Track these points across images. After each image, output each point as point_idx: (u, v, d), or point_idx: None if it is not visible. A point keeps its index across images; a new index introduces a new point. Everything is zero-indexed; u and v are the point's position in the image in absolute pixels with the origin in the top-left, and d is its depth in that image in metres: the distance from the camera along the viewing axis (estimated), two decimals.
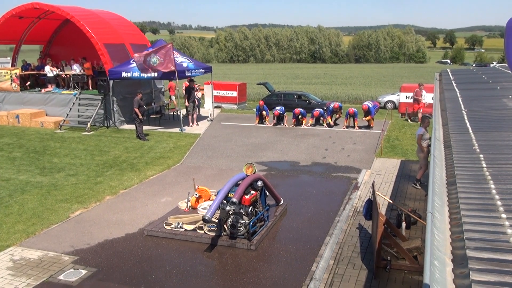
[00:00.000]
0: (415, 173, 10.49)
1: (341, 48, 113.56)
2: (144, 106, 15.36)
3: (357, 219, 8.19)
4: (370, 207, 7.16)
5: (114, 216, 8.55)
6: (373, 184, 7.27)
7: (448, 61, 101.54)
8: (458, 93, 7.88)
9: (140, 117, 15.06)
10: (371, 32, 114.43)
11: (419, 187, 9.89)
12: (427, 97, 18.06)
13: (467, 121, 5.69)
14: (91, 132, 16.48)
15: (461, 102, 6.97)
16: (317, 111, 17.72)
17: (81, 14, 18.21)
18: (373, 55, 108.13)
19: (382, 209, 8.44)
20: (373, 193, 6.88)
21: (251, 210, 7.31)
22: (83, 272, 6.40)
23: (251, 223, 7.18)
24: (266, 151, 13.68)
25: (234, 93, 24.50)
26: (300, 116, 17.52)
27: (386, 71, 66.68)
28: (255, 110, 18.79)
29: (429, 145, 9.54)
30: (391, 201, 8.12)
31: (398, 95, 23.55)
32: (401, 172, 11.26)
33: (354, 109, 17.07)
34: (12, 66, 20.93)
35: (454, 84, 8.98)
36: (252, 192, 7.51)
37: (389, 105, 25.79)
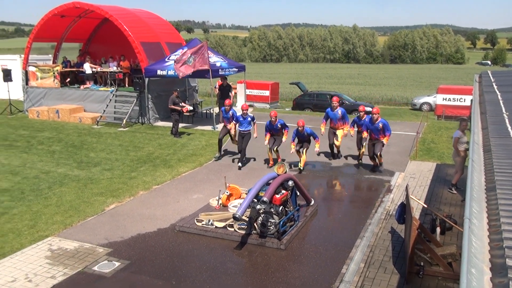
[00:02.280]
0: (451, 177, 10.20)
1: (376, 48, 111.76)
2: (180, 104, 15.55)
3: (389, 223, 8.04)
4: (403, 210, 7.01)
5: (147, 210, 8.72)
6: (407, 187, 7.12)
7: (489, 62, 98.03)
8: (499, 96, 7.60)
9: (178, 109, 15.37)
10: (407, 32, 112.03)
11: (455, 192, 9.61)
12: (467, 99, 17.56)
13: (508, 125, 5.48)
14: (126, 128, 16.88)
15: (502, 105, 6.72)
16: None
17: (119, 13, 18.66)
18: (409, 56, 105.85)
19: (416, 213, 8.26)
20: (407, 197, 6.74)
21: (281, 210, 7.31)
22: (117, 264, 6.57)
23: (281, 223, 7.17)
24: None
25: (267, 93, 24.56)
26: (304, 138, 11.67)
27: (422, 72, 65.17)
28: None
29: (466, 149, 9.26)
30: (425, 206, 7.93)
31: (435, 96, 22.95)
32: (437, 176, 10.98)
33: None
34: (53, 63, 21.70)
35: (495, 86, 8.66)
36: (283, 191, 7.50)
37: (425, 107, 25.20)
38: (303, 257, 6.86)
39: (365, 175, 11.25)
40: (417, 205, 8.38)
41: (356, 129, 12.09)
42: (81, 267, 6.47)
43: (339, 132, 12.34)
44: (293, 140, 11.50)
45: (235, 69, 18.58)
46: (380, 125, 10.87)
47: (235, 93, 21.89)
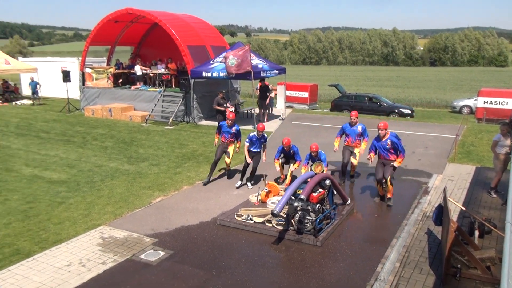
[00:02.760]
0: (491, 181, 9.75)
1: (416, 51, 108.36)
2: (224, 105, 15.72)
3: (426, 224, 7.79)
4: (441, 212, 6.78)
5: (190, 204, 8.89)
6: (444, 189, 6.88)
7: None
8: None
9: (222, 110, 15.50)
10: (448, 34, 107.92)
11: (495, 196, 9.18)
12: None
13: None
14: (172, 127, 17.25)
15: None
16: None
17: (168, 18, 19.10)
18: (449, 58, 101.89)
19: (454, 216, 7.96)
20: (445, 199, 6.50)
21: (318, 208, 7.24)
22: (162, 253, 6.73)
23: (318, 220, 7.12)
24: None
25: (306, 94, 24.41)
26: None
27: (463, 75, 62.64)
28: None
29: (507, 153, 8.82)
30: (463, 208, 7.63)
31: (476, 99, 22.01)
32: (476, 179, 10.53)
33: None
34: (107, 65, 22.51)
35: None
36: (320, 190, 7.43)
37: (465, 110, 24.24)
38: (339, 254, 6.77)
39: (402, 176, 10.95)
40: (455, 207, 8.07)
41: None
42: (129, 255, 6.68)
43: (357, 150, 10.22)
44: (306, 164, 9.46)
45: (275, 71, 18.58)
46: (389, 142, 8.63)
47: (275, 94, 21.88)
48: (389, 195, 8.81)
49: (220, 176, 10.89)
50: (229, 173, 10.94)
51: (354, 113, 10.20)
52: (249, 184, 10.07)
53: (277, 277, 6.08)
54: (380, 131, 8.79)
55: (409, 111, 22.34)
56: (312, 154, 9.27)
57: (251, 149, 10.10)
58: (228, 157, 10.38)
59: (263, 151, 10.27)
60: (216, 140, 10.51)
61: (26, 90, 27.42)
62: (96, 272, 6.16)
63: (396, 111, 22.17)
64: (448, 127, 16.47)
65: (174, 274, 6.14)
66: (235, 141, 10.48)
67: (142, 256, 6.64)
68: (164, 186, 9.99)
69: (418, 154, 13.02)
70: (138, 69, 20.42)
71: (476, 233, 6.93)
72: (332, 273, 6.18)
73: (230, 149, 10.39)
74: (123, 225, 7.82)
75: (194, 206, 8.84)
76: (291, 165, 10.06)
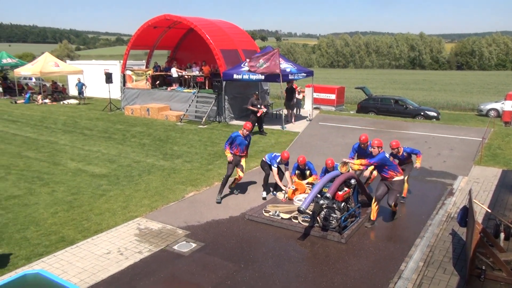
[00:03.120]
0: None
1: (443, 55, 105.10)
2: (258, 106, 15.64)
3: (450, 225, 7.54)
4: (466, 214, 6.54)
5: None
6: (470, 191, 6.63)
7: None
8: None
9: (255, 110, 15.46)
10: (475, 38, 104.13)
11: None
12: None
13: None
14: (205, 126, 17.42)
15: None
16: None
17: (202, 24, 19.29)
18: (476, 62, 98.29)
19: (479, 218, 7.66)
20: (470, 200, 6.27)
21: (343, 206, 7.14)
22: (193, 245, 6.80)
23: (343, 218, 7.02)
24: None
25: (333, 96, 24.12)
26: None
27: (490, 79, 60.30)
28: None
29: None
30: (489, 210, 7.34)
31: (503, 103, 21.14)
32: (502, 182, 10.10)
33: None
34: (145, 68, 22.97)
35: None
36: (346, 189, 7.32)
37: (492, 113, 23.36)
38: (363, 251, 6.65)
39: (427, 177, 10.65)
40: (480, 209, 7.77)
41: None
42: (163, 246, 6.79)
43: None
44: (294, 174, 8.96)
45: (303, 74, 18.45)
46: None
47: (303, 96, 21.74)
48: (395, 209, 7.79)
49: (249, 174, 10.89)
50: (261, 171, 10.92)
51: (377, 142, 7.57)
52: (276, 193, 9.25)
53: (302, 272, 6.03)
54: (373, 149, 7.51)
55: (435, 114, 21.71)
56: (300, 166, 9.31)
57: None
58: (242, 171, 8.97)
59: (287, 176, 9.17)
60: (230, 155, 8.82)
61: (73, 91, 28.35)
62: (132, 261, 6.29)
63: (422, 113, 21.59)
64: (474, 130, 15.89)
65: (204, 265, 6.20)
66: (247, 153, 9.17)
67: (175, 247, 6.73)
68: (197, 182, 10.09)
69: (443, 156, 12.63)
70: (174, 72, 20.72)
71: (502, 235, 6.65)
72: (356, 269, 6.08)
73: (243, 162, 9.05)
74: (158, 217, 7.95)
75: (224, 201, 8.88)
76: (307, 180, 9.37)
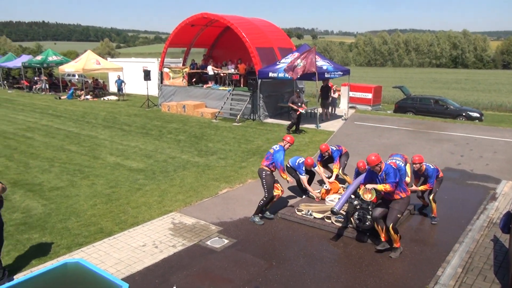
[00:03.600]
0: None
1: (487, 53, 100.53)
2: (298, 104, 15.54)
3: (492, 231, 7.22)
4: (509, 220, 6.23)
5: (254, 197, 8.97)
6: None
7: None
8: None
9: (295, 108, 15.34)
10: None
11: None
12: None
13: None
14: (239, 123, 17.53)
15: None
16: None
17: (239, 22, 19.41)
18: None
19: None
20: None
21: None
22: (226, 241, 6.88)
23: None
24: (397, 152, 12.87)
25: (369, 95, 23.64)
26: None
27: None
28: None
29: None
30: None
31: None
32: None
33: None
34: (182, 65, 23.39)
35: None
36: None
37: None
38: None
39: (468, 180, 10.24)
40: None
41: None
42: (196, 240, 6.90)
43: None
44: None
45: (340, 73, 18.19)
46: (384, 175, 6.36)
47: (339, 95, 21.45)
48: (398, 242, 6.50)
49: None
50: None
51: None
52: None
53: (334, 272, 5.96)
54: (375, 167, 6.43)
55: (478, 115, 20.82)
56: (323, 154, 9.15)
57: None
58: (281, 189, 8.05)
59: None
60: (291, 178, 8.16)
61: (112, 87, 29.32)
62: (167, 254, 6.43)
63: (464, 114, 20.77)
64: None
65: (236, 261, 6.25)
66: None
67: (208, 243, 6.83)
68: (230, 179, 10.18)
69: (486, 158, 12.10)
70: (210, 70, 20.98)
71: None
72: (390, 272, 5.94)
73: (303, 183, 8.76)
74: (192, 213, 8.09)
75: (257, 199, 8.88)
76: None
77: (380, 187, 6.32)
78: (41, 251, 6.48)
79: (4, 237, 5.92)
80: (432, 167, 7.62)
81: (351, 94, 22.31)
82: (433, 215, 7.70)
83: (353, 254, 6.51)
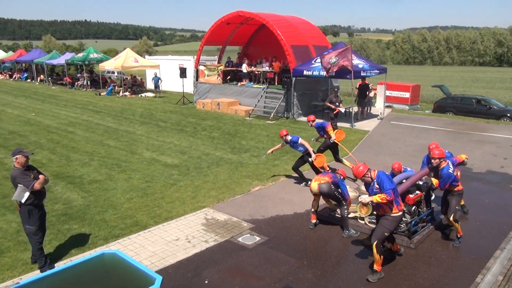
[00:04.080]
0: None
1: None
2: (337, 103, 15.28)
3: None
4: None
5: (286, 195, 8.96)
6: None
7: None
8: None
9: (333, 107, 15.10)
10: None
11: None
12: None
13: None
14: (273, 121, 17.53)
15: None
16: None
17: (274, 20, 19.38)
18: None
19: None
20: None
21: (414, 210, 6.81)
22: (257, 238, 6.90)
23: (413, 222, 6.68)
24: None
25: (407, 94, 22.98)
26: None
27: None
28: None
29: None
30: None
31: None
32: None
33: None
34: (218, 63, 23.63)
35: None
36: (417, 192, 6.96)
37: None
38: (434, 259, 6.29)
39: (511, 184, 9.76)
40: None
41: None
42: (228, 237, 6.97)
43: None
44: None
45: (376, 71, 17.81)
46: (376, 186, 5.68)
47: (375, 94, 21.00)
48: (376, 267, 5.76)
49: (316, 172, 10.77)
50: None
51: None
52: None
53: (367, 274, 5.85)
54: (433, 160, 6.60)
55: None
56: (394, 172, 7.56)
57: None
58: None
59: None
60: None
61: (150, 84, 30.03)
62: (199, 249, 6.54)
63: (508, 115, 19.79)
64: None
65: (267, 258, 6.26)
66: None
67: (240, 239, 6.88)
68: (263, 177, 10.20)
69: None
70: (244, 68, 21.09)
71: None
72: (425, 277, 5.77)
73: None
74: (225, 209, 8.17)
75: (289, 197, 8.89)
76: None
77: (376, 198, 5.54)
78: (80, 241, 6.75)
79: (46, 227, 6.22)
80: (450, 170, 6.50)
81: (388, 93, 21.78)
82: (458, 234, 6.67)
83: (387, 256, 6.37)
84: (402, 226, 6.70)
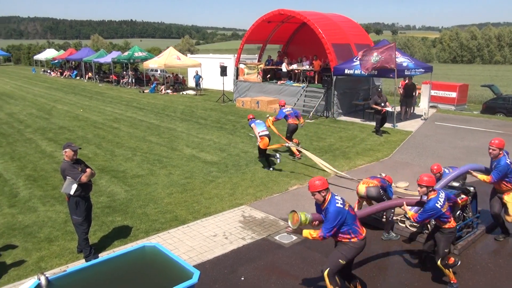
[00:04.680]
0: None
1: None
2: (382, 103, 14.53)
3: None
4: None
5: None
6: None
7: None
8: None
9: (379, 108, 14.48)
10: None
11: None
12: None
13: None
14: (312, 120, 17.37)
15: None
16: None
17: (315, 18, 19.17)
18: None
19: None
20: None
21: (459, 214, 6.52)
22: (294, 237, 6.87)
23: (458, 227, 6.41)
24: (483, 156, 11.87)
25: (453, 94, 22.05)
26: None
27: None
28: None
29: None
30: None
31: None
32: None
33: None
34: (258, 61, 23.71)
35: None
36: (463, 196, 6.67)
37: None
38: (479, 266, 6.00)
39: None
40: None
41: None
42: (265, 235, 6.99)
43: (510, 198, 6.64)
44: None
45: (421, 70, 17.20)
46: (324, 214, 4.88)
47: (419, 93, 20.31)
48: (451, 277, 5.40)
49: (355, 172, 10.59)
50: (367, 170, 10.54)
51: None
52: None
53: (407, 279, 5.68)
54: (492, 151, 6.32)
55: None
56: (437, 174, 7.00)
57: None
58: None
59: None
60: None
61: (191, 82, 30.63)
62: (236, 245, 6.60)
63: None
64: None
65: (304, 258, 6.23)
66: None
67: (276, 238, 6.88)
68: (301, 176, 10.14)
69: None
70: (284, 67, 21.03)
71: None
72: (469, 285, 5.53)
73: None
74: (262, 207, 8.20)
75: None
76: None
77: (306, 233, 4.77)
78: (123, 233, 7.00)
79: (92, 218, 6.50)
80: (438, 205, 5.21)
81: (433, 92, 21.00)
82: (451, 281, 5.44)
83: (428, 261, 6.15)
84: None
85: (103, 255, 6.19)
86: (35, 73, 48.52)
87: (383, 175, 7.48)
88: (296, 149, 11.49)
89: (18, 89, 31.03)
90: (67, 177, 5.84)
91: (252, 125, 11.03)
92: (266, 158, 10.82)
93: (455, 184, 6.98)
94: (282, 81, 20.96)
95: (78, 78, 40.62)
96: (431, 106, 19.96)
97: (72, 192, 5.87)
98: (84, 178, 5.87)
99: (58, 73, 44.81)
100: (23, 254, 6.32)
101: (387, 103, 14.82)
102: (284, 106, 12.43)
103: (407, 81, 17.74)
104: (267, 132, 10.73)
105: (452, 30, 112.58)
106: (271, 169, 10.58)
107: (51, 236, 6.88)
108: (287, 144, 11.46)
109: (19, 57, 76.29)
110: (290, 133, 12.12)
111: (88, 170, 6.00)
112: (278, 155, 11.01)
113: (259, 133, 10.72)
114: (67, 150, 5.90)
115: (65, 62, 46.19)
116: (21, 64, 73.56)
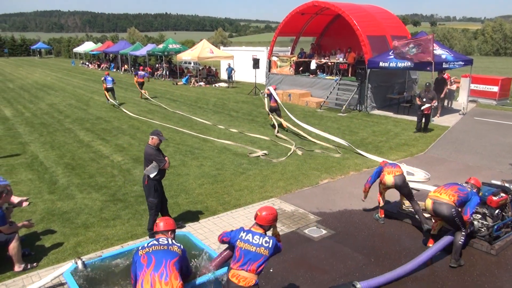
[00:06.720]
0: None
1: None
2: (424, 99, 13.73)
3: None
4: None
5: (355, 190, 8.73)
6: None
7: None
8: None
9: (419, 103, 13.83)
10: None
11: None
12: None
13: None
14: (345, 114, 17.11)
15: None
16: None
17: (350, 9, 18.79)
18: None
19: None
20: None
21: (497, 213, 6.27)
22: (323, 231, 6.83)
23: (496, 227, 6.17)
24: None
25: (495, 88, 21.07)
26: None
27: None
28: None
29: None
30: None
31: None
32: None
33: None
34: (290, 54, 23.55)
35: None
36: (502, 194, 6.40)
37: None
38: None
39: None
40: None
41: None
42: (294, 228, 6.98)
43: None
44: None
45: (460, 63, 16.56)
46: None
47: (457, 87, 19.55)
48: None
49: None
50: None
51: None
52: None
53: (440, 278, 5.54)
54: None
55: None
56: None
57: None
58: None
59: None
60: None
61: (223, 75, 30.83)
62: None
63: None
64: None
65: (333, 252, 6.18)
66: None
67: (306, 231, 6.85)
68: (332, 170, 10.04)
69: None
70: (313, 64, 20.79)
71: None
72: (507, 287, 5.32)
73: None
74: (292, 200, 8.18)
75: (359, 192, 8.64)
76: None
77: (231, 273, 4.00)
78: None
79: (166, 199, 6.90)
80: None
81: (473, 86, 20.17)
82: None
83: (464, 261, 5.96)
84: (483, 230, 6.22)
85: (136, 243, 6.38)
86: (74, 66, 50.27)
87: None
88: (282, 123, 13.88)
89: (59, 81, 32.26)
90: (153, 161, 6.23)
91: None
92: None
93: (496, 182, 6.71)
94: (312, 75, 20.71)
95: (114, 70, 41.74)
96: (471, 101, 19.20)
97: (152, 175, 6.28)
98: (167, 165, 6.41)
99: (96, 65, 46.23)
100: (61, 238, 6.61)
101: (433, 101, 13.82)
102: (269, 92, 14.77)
103: (438, 75, 17.07)
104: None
105: (496, 21, 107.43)
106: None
107: (87, 223, 7.15)
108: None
109: (59, 50, 79.40)
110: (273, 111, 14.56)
111: (167, 158, 6.47)
112: (262, 152, 11.30)
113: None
114: (154, 137, 6.33)
115: (103, 54, 47.58)
116: (61, 56, 76.47)
